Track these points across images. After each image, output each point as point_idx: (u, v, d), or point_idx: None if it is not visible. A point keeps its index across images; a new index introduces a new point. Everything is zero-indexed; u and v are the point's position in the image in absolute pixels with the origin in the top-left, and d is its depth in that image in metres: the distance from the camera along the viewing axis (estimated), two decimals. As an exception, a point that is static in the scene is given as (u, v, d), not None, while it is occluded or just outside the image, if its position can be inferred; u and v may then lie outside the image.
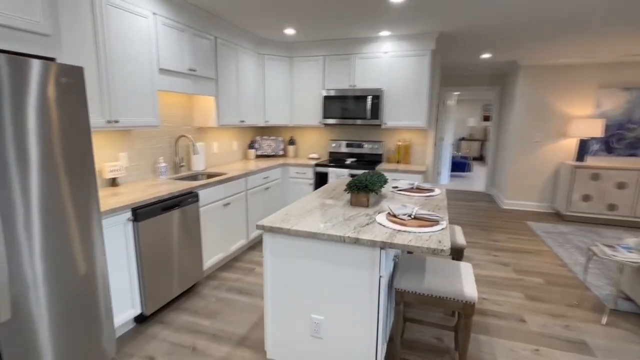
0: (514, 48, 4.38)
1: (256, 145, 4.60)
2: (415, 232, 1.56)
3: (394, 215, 1.75)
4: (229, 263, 3.30)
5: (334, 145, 4.57)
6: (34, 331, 1.48)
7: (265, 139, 4.64)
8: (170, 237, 2.44)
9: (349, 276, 1.58)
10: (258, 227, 1.69)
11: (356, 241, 1.51)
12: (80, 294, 1.66)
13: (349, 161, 4.25)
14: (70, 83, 1.56)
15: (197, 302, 2.60)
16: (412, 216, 1.73)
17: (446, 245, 1.41)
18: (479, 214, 5.21)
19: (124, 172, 2.70)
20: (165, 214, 2.39)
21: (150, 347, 2.08)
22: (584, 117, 5.11)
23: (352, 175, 3.90)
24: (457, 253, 2.36)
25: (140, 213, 2.18)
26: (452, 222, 4.76)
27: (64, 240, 1.57)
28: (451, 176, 8.82)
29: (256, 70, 4.07)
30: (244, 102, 3.85)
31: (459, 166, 9.02)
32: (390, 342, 2.05)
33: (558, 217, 5.13)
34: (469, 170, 9.15)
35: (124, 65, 2.33)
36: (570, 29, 3.49)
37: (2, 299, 1.33)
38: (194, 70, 2.99)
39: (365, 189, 2.01)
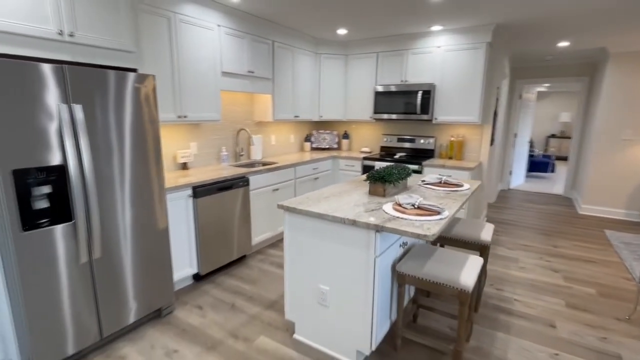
0: (598, 33, 3.89)
1: (312, 139, 4.95)
2: (409, 219, 1.70)
3: (399, 204, 1.89)
4: (276, 242, 3.73)
5: (385, 139, 4.67)
6: (121, 268, 2.03)
7: (320, 132, 4.96)
8: (223, 213, 2.92)
9: (349, 254, 1.80)
10: (279, 206, 2.01)
11: (354, 223, 1.72)
12: (152, 246, 2.20)
13: (397, 156, 4.33)
14: (146, 87, 2.06)
15: (243, 270, 3.06)
16: (416, 206, 1.85)
17: (431, 232, 1.53)
18: (548, 218, 4.77)
19: (193, 159, 3.28)
20: (220, 194, 2.87)
21: (200, 299, 2.58)
22: (694, 111, 4.29)
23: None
24: (480, 249, 2.37)
25: (199, 191, 2.68)
26: (505, 223, 4.48)
27: (143, 202, 2.10)
28: (529, 176, 8.05)
29: (312, 68, 4.40)
30: (299, 98, 4.21)
31: (540, 166, 8.17)
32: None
33: (649, 228, 4.43)
34: (552, 170, 8.22)
35: (192, 70, 2.85)
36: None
37: (96, 242, 1.89)
38: (252, 72, 3.43)
39: (381, 179, 2.17)
